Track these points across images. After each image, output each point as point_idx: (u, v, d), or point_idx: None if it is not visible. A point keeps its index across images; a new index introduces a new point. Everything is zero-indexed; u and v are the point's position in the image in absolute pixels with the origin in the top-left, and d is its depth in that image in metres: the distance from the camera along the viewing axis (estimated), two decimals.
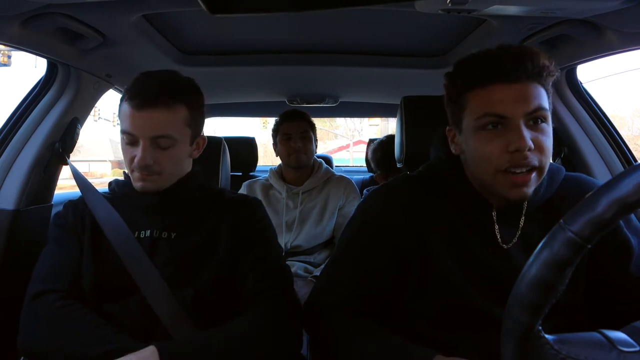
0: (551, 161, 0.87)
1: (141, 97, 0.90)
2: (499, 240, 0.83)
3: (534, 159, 0.75)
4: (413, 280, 0.87)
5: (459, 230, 0.85)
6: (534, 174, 0.76)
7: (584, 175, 0.95)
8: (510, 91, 0.75)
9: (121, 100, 0.96)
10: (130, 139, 0.92)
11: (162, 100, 0.91)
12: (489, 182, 0.80)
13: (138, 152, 0.92)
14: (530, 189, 0.77)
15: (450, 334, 0.83)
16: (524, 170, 0.75)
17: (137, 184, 0.96)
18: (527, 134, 0.74)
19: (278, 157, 1.88)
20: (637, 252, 0.84)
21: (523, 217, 0.84)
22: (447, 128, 0.89)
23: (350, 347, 0.81)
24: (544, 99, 0.76)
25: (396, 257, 0.87)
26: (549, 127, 0.77)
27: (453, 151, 0.88)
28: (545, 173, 0.79)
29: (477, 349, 0.77)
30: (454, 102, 0.83)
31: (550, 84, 0.79)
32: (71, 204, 1.02)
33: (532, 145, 0.74)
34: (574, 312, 0.84)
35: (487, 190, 0.83)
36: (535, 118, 0.75)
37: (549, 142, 0.77)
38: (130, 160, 0.94)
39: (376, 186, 1.22)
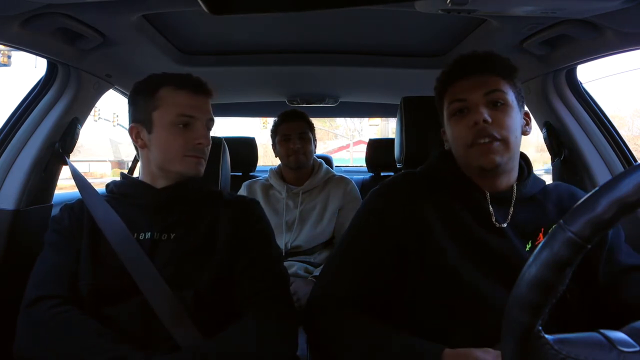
0: (551, 161, 0.92)
1: (195, 83, 1.00)
2: (494, 219, 0.92)
3: (493, 131, 0.87)
4: (414, 272, 0.90)
5: (457, 216, 0.92)
6: (496, 143, 0.88)
7: (562, 183, 1.05)
8: (470, 81, 0.92)
9: (154, 90, 0.99)
10: (186, 120, 0.98)
11: (209, 90, 1.04)
12: (464, 157, 0.93)
13: (196, 134, 0.99)
14: (497, 157, 0.88)
15: (449, 320, 0.86)
16: (486, 140, 0.88)
17: (190, 170, 1.00)
18: (483, 110, 0.88)
19: (277, 157, 1.88)
20: (621, 240, 0.94)
21: (513, 202, 0.94)
22: (442, 130, 1.02)
23: (352, 346, 0.83)
24: (504, 87, 0.91)
25: (397, 254, 0.90)
26: (510, 110, 0.90)
27: (445, 147, 1.01)
28: (511, 147, 0.89)
29: (475, 333, 0.81)
30: (438, 104, 1.00)
31: (515, 81, 0.93)
32: (67, 208, 1.02)
33: (489, 119, 0.87)
34: (569, 309, 0.86)
35: (472, 173, 0.94)
36: (494, 101, 0.90)
37: (508, 119, 0.89)
38: (183, 145, 0.98)
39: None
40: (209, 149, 1.04)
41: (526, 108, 0.97)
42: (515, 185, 0.94)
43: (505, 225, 0.91)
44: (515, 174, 0.96)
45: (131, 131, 1.03)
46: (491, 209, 0.92)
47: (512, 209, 0.93)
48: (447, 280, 0.87)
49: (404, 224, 0.91)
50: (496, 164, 0.88)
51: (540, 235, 0.91)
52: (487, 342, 0.77)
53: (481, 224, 0.91)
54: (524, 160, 1.00)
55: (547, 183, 1.02)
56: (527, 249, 0.90)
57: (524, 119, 0.96)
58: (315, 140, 1.87)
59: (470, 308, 0.85)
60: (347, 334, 0.85)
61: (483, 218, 0.92)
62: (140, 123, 1.01)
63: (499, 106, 0.89)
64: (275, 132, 1.86)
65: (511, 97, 0.91)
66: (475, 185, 0.94)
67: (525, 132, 0.96)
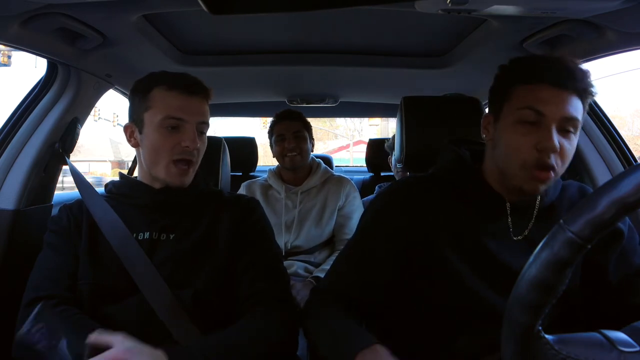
0: None
1: (188, 83, 0.96)
2: (511, 231, 0.87)
3: (556, 162, 0.80)
4: (419, 277, 0.89)
5: (469, 225, 0.88)
6: (552, 174, 0.81)
7: (576, 182, 1.00)
8: (554, 93, 0.80)
9: (148, 90, 0.97)
10: (175, 123, 0.95)
11: (204, 90, 0.99)
12: (510, 173, 0.84)
13: (184, 137, 0.95)
14: (543, 186, 0.83)
15: (453, 327, 0.85)
16: (545, 169, 0.80)
17: (173, 179, 0.97)
18: (556, 137, 0.79)
19: (274, 157, 1.88)
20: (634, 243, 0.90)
21: (536, 213, 0.89)
22: (485, 115, 0.93)
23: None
24: (580, 113, 0.81)
25: (401, 257, 0.89)
26: (576, 139, 0.83)
27: (483, 136, 0.92)
28: (558, 175, 0.84)
29: (479, 342, 0.80)
30: (500, 91, 0.87)
31: (587, 104, 0.84)
32: (66, 208, 1.02)
33: (558, 148, 0.79)
34: (570, 308, 0.86)
35: (502, 183, 0.87)
36: (567, 126, 0.81)
37: (571, 152, 0.83)
38: (171, 148, 0.95)
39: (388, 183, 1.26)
40: (201, 153, 1.01)
41: None
42: (539, 196, 0.89)
43: (520, 237, 0.88)
44: None
45: (126, 130, 1.03)
46: (510, 221, 0.88)
47: (533, 220, 0.89)
48: (452, 289, 0.86)
49: (410, 228, 0.89)
50: (538, 192, 0.84)
51: None
52: (490, 349, 0.77)
53: (495, 235, 0.87)
54: None
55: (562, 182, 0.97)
56: None
57: None
58: (312, 139, 1.87)
59: (476, 318, 0.84)
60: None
61: (498, 229, 0.88)
62: (134, 122, 1.01)
63: (568, 134, 0.81)
64: (271, 132, 1.86)
65: (581, 122, 0.83)
66: (496, 194, 0.89)
67: None
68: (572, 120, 0.80)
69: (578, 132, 0.83)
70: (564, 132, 0.81)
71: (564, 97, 0.80)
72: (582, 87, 0.81)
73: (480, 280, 0.85)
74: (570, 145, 0.82)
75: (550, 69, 0.82)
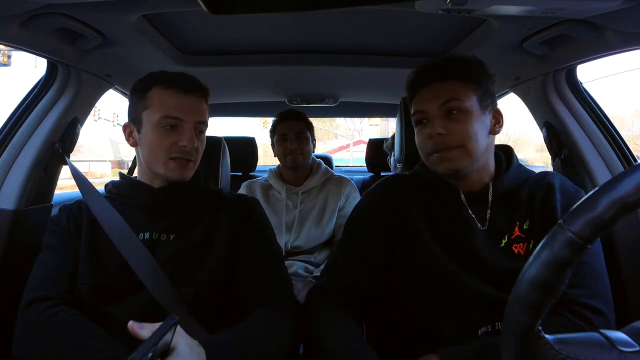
0: (551, 161, 0.92)
1: (185, 83, 0.97)
2: (476, 221, 0.94)
3: (448, 141, 0.90)
4: (404, 269, 0.94)
5: (438, 216, 0.95)
6: (454, 151, 0.90)
7: (550, 171, 1.03)
8: (430, 89, 0.94)
9: (146, 89, 0.97)
10: (172, 122, 0.95)
11: (202, 89, 0.99)
12: (429, 165, 0.96)
13: (182, 136, 0.95)
14: (455, 164, 0.90)
15: (437, 315, 0.90)
16: (442, 151, 0.90)
17: (173, 174, 0.97)
18: (438, 122, 0.91)
19: (276, 157, 1.88)
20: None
21: (490, 202, 0.94)
22: None
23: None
24: (461, 93, 0.91)
25: (387, 251, 0.95)
26: (467, 116, 0.90)
27: None
28: (471, 151, 0.90)
29: (460, 326, 0.86)
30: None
31: (481, 81, 0.92)
32: (65, 209, 1.02)
33: (443, 132, 0.90)
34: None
35: (450, 176, 0.95)
36: (448, 109, 0.91)
37: (463, 128, 0.90)
38: (168, 147, 0.96)
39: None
40: (200, 151, 1.01)
41: (499, 106, 0.96)
42: (490, 184, 0.95)
43: (482, 227, 0.93)
44: (487, 172, 0.96)
45: (124, 129, 1.04)
46: (470, 211, 0.94)
47: (489, 210, 0.94)
48: (432, 276, 0.91)
49: (392, 223, 0.96)
50: (454, 169, 0.91)
51: (516, 229, 0.93)
52: (471, 333, 0.84)
53: (459, 224, 0.93)
54: (506, 154, 1.01)
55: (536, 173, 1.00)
56: (503, 244, 0.92)
57: (494, 118, 0.95)
58: (314, 140, 1.87)
59: (455, 302, 0.89)
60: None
61: (460, 218, 0.94)
62: (133, 122, 1.01)
63: (455, 115, 0.90)
64: (273, 131, 1.86)
65: (471, 102, 0.91)
66: (450, 186, 0.96)
67: (493, 132, 0.94)
68: (450, 102, 0.91)
69: (473, 109, 0.90)
70: (449, 115, 0.91)
71: (438, 89, 0.92)
72: (450, 72, 0.93)
73: (456, 266, 0.90)
74: (461, 123, 0.90)
75: (420, 74, 0.97)
